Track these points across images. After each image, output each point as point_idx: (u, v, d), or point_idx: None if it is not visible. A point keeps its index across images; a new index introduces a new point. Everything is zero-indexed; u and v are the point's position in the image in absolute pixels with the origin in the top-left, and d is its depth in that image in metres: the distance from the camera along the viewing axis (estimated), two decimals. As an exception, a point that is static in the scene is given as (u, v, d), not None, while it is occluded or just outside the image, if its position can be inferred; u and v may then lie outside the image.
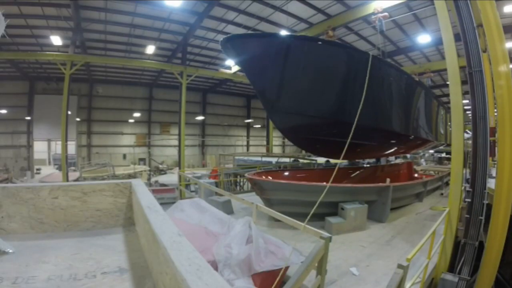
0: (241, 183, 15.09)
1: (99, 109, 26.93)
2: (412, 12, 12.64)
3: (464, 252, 4.48)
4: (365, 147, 7.89)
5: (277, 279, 3.34)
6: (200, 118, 30.25)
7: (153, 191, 12.15)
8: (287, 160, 16.98)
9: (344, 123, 5.72)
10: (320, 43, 6.28)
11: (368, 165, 11.66)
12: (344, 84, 6.09)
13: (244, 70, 6.19)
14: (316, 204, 3.83)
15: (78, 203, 3.22)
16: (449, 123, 12.08)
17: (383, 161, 15.94)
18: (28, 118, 23.54)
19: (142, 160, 28.37)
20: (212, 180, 12.54)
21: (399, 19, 13.91)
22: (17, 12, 12.69)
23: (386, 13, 9.32)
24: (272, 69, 5.68)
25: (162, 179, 19.42)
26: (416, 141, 9.27)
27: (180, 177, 12.65)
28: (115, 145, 27.95)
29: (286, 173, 9.28)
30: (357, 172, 10.27)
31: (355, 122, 4.59)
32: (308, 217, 3.62)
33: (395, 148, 9.74)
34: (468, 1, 4.60)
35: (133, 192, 3.32)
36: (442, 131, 11.37)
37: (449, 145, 12.69)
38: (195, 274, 1.31)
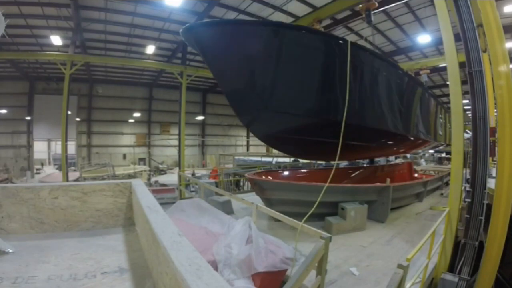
0: (241, 183, 15.08)
1: (99, 109, 26.92)
2: (411, 11, 12.63)
3: (464, 252, 4.48)
4: (357, 147, 7.31)
5: (277, 279, 3.35)
6: (200, 118, 30.25)
7: (153, 191, 12.14)
8: (287, 160, 16.97)
9: (328, 121, 5.28)
10: (285, 28, 5.24)
11: (367, 165, 11.67)
12: (324, 77, 5.36)
13: (209, 67, 5.35)
14: (316, 205, 3.80)
15: (78, 203, 3.22)
16: (448, 124, 11.96)
17: (383, 161, 15.97)
18: (28, 118, 23.53)
19: (142, 160, 28.37)
20: (212, 180, 12.54)
21: (399, 19, 13.93)
22: (17, 12, 12.68)
23: (373, 1, 8.46)
24: (243, 65, 4.92)
25: (162, 179, 19.41)
26: (411, 141, 8.76)
27: (180, 177, 12.66)
28: (115, 145, 27.93)
29: (286, 173, 9.28)
30: (357, 172, 10.27)
31: (343, 121, 4.30)
32: (306, 216, 3.60)
33: (390, 148, 9.35)
34: (468, 1, 4.60)
35: (133, 192, 3.32)
36: (440, 131, 11.00)
37: (448, 145, 12.64)
38: (195, 274, 1.31)
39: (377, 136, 7.12)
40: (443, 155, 20.54)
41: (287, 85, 5.12)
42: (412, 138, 8.23)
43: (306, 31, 5.41)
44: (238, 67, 4.96)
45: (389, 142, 8.23)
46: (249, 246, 3.79)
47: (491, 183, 4.58)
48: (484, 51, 4.74)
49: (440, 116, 11.02)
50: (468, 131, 6.85)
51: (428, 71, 14.70)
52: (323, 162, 13.80)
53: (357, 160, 12.64)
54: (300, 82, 5.19)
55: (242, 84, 5.13)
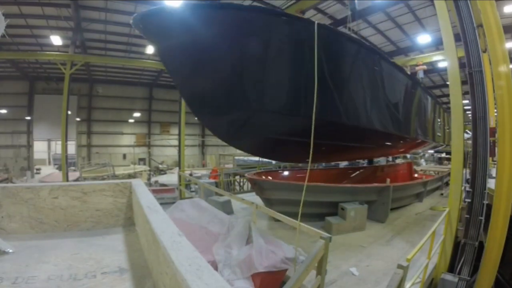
0: (241, 183, 15.08)
1: (99, 109, 26.95)
2: (411, 11, 12.63)
3: (464, 252, 4.48)
4: (350, 148, 6.76)
5: (277, 279, 3.35)
6: (200, 118, 30.18)
7: (153, 191, 12.13)
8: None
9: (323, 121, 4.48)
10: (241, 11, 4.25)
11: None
12: (291, 67, 4.49)
13: (172, 68, 4.67)
14: (301, 203, 3.61)
15: (78, 203, 3.22)
16: (446, 125, 11.78)
17: (382, 161, 15.94)
18: (28, 118, 23.56)
19: (142, 160, 28.38)
20: (212, 180, 12.54)
21: (399, 19, 13.93)
22: (17, 12, 12.69)
23: None
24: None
25: (162, 179, 19.41)
26: (405, 140, 8.03)
27: (180, 177, 12.66)
28: (115, 145, 27.95)
29: (286, 173, 9.28)
30: (357, 172, 10.27)
31: (313, 118, 3.73)
32: (299, 216, 3.54)
33: (384, 149, 8.70)
34: (468, 1, 4.60)
35: (133, 192, 3.32)
36: (438, 132, 10.32)
37: (447, 145, 12.50)
38: (195, 274, 1.31)
39: (367, 136, 6.37)
40: (443, 155, 20.53)
41: (258, 80, 4.39)
42: (405, 137, 7.53)
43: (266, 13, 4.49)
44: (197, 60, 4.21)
45: (382, 142, 7.57)
46: (249, 246, 3.79)
47: (491, 183, 4.58)
48: (484, 51, 4.74)
49: (438, 117, 10.37)
50: (468, 131, 6.80)
51: (425, 67, 13.52)
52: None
53: (357, 160, 12.61)
54: (275, 76, 4.43)
55: (205, 85, 4.45)
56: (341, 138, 5.84)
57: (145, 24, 4.20)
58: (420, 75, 12.75)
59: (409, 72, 10.69)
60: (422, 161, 20.39)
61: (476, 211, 4.43)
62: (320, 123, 4.06)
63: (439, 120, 10.44)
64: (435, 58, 13.77)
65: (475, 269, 4.43)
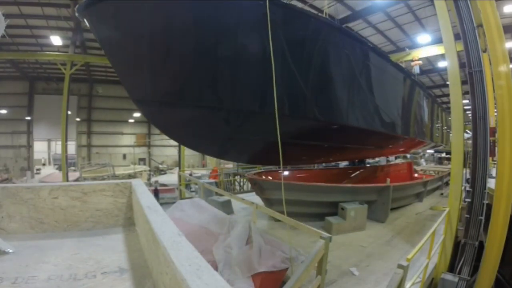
0: (241, 183, 15.07)
1: (99, 109, 26.96)
2: (411, 11, 12.63)
3: (464, 252, 4.48)
4: (343, 147, 6.48)
5: (277, 279, 3.35)
6: (200, 118, 30.17)
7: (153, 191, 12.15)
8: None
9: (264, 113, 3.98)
10: None
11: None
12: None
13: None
14: (283, 202, 3.40)
15: (78, 203, 3.21)
16: (444, 124, 11.68)
17: (383, 161, 15.92)
18: (28, 118, 23.59)
19: (142, 160, 28.40)
20: (212, 180, 12.54)
21: (399, 19, 13.93)
22: (17, 12, 12.71)
23: None
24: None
25: (162, 179, 19.42)
26: (396, 140, 7.60)
27: (180, 177, 12.67)
28: (115, 145, 27.97)
29: (286, 173, 9.27)
30: (357, 172, 10.27)
31: (276, 111, 3.32)
32: (285, 212, 3.49)
33: (376, 148, 8.26)
34: (468, 1, 4.60)
35: (133, 192, 3.32)
36: (432, 130, 9.93)
37: (446, 145, 12.40)
38: (195, 274, 1.31)
39: (349, 134, 5.70)
40: (443, 155, 20.54)
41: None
42: (394, 136, 7.04)
43: None
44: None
45: (371, 142, 7.11)
46: (249, 246, 3.80)
47: (491, 183, 4.58)
48: (484, 51, 4.74)
49: (434, 114, 10.00)
50: (468, 131, 6.78)
51: (420, 62, 13.08)
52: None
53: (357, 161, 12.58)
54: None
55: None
56: (327, 138, 5.48)
57: (91, 13, 3.56)
58: (416, 70, 12.43)
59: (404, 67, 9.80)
60: (422, 161, 20.41)
61: (476, 211, 4.43)
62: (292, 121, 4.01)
63: (436, 120, 10.34)
64: (431, 52, 13.43)
65: (475, 269, 4.43)
